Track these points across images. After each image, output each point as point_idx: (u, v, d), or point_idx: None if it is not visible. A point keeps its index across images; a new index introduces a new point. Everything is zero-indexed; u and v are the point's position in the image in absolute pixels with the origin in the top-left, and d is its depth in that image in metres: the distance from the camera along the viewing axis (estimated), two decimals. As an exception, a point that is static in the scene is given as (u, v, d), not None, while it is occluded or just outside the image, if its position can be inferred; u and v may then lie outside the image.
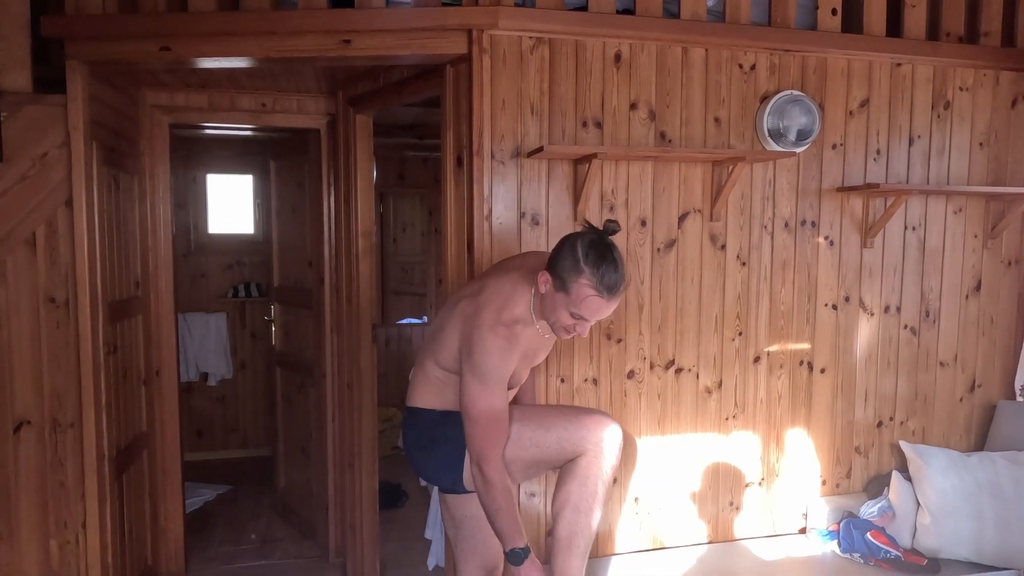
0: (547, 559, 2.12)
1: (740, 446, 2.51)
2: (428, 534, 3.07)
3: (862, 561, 2.29)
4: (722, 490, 2.50)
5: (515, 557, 1.72)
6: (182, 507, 3.17)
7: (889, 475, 2.59)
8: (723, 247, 2.43)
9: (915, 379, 2.67)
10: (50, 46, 2.34)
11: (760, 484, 2.54)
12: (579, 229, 1.73)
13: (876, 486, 2.58)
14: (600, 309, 1.64)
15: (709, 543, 2.48)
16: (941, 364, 2.70)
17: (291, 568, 3.27)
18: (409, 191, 5.47)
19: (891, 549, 2.28)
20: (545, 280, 1.67)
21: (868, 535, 2.30)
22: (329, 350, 3.26)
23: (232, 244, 4.85)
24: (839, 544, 2.35)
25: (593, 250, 1.62)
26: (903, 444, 2.54)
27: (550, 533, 2.32)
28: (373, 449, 3.03)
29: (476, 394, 1.66)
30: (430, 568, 3.03)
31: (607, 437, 1.75)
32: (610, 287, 1.61)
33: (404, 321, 5.46)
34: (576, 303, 1.62)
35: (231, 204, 4.89)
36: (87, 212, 2.30)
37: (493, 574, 1.97)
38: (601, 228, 1.67)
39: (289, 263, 3.65)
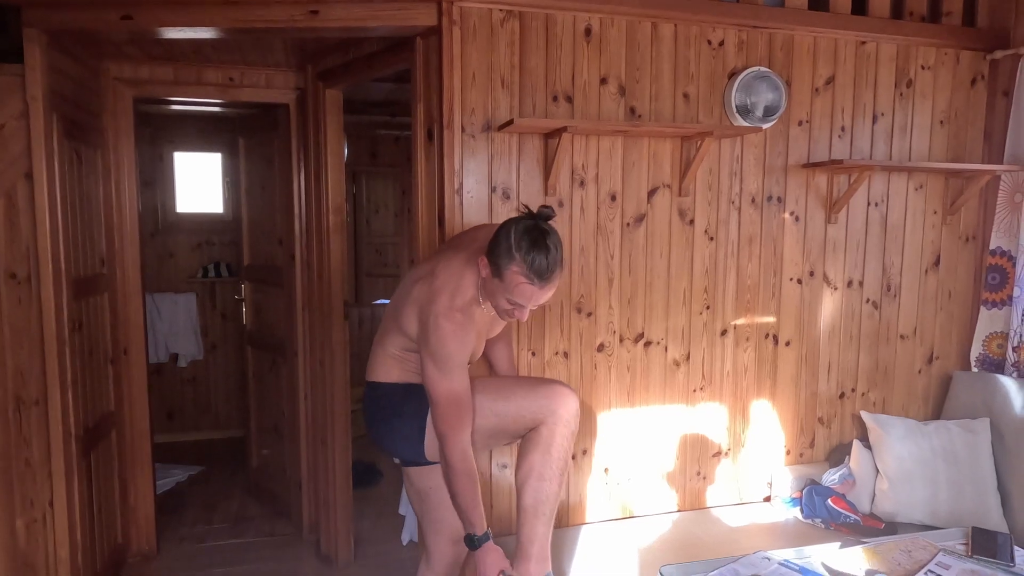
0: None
1: (707, 417, 2.56)
2: (402, 510, 3.09)
3: (823, 526, 2.37)
4: (690, 460, 2.56)
5: (471, 542, 1.76)
6: (152, 486, 3.14)
7: (850, 444, 2.67)
8: (691, 222, 2.46)
9: (876, 351, 2.75)
10: (7, 15, 2.27)
11: (727, 454, 2.61)
12: (515, 215, 1.73)
13: (838, 455, 2.66)
14: (533, 296, 1.64)
15: (677, 511, 2.54)
16: (901, 337, 2.78)
17: (264, 545, 3.28)
18: (382, 170, 5.43)
19: (851, 514, 2.35)
20: (484, 264, 1.68)
21: (829, 501, 2.38)
22: (300, 328, 3.24)
23: (201, 223, 4.77)
24: (801, 510, 2.42)
25: (526, 236, 1.60)
26: (863, 414, 2.62)
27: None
28: (346, 425, 3.04)
29: (435, 378, 1.69)
30: (404, 543, 3.05)
31: (565, 406, 1.78)
32: (540, 273, 1.60)
33: (379, 302, 5.44)
34: (509, 289, 1.63)
35: (199, 182, 4.81)
36: (48, 185, 2.25)
37: (461, 542, 1.98)
38: (535, 213, 1.66)
39: (259, 241, 3.61)
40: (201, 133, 4.68)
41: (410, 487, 1.98)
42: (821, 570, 1.48)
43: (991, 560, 1.52)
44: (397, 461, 2.02)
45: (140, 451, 3.09)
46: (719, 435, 2.59)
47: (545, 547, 1.78)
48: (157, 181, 4.66)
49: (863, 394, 2.76)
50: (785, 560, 1.52)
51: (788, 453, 2.69)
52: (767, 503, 2.62)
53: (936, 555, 1.50)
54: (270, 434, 3.63)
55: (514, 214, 2.26)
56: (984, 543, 1.62)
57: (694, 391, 2.54)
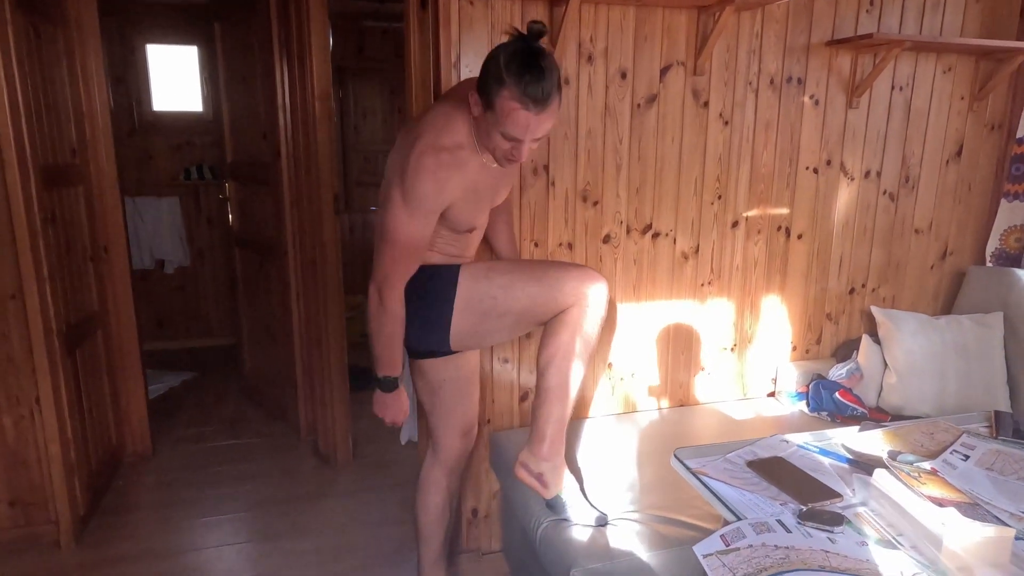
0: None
1: (714, 313, 2.49)
2: (400, 410, 3.06)
3: (829, 419, 2.34)
4: (695, 355, 2.50)
5: (389, 384, 1.74)
6: (144, 388, 3.08)
7: (858, 341, 2.62)
8: (706, 104, 2.30)
9: (889, 246, 2.65)
10: None
11: (732, 350, 2.55)
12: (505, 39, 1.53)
13: (845, 351, 2.61)
14: (529, 124, 1.44)
15: (681, 406, 2.51)
16: (916, 231, 2.68)
17: (262, 446, 3.26)
18: (369, 67, 5.13)
19: (857, 407, 2.32)
20: (475, 102, 1.50)
21: (836, 394, 2.34)
22: (289, 226, 3.10)
23: (180, 123, 4.53)
24: (807, 403, 2.39)
25: (516, 59, 1.41)
26: (874, 309, 2.55)
27: (524, 399, 2.31)
28: (341, 325, 2.95)
29: (401, 218, 1.54)
30: (403, 443, 3.03)
31: (597, 289, 1.68)
32: (536, 98, 1.40)
33: (374, 208, 5.27)
34: (502, 120, 1.45)
35: (176, 79, 4.53)
36: (2, 57, 2.04)
37: (470, 433, 1.94)
38: (525, 32, 1.46)
39: (242, 136, 3.41)
40: (174, 23, 4.36)
41: (420, 380, 1.89)
42: (842, 452, 1.43)
43: (1017, 441, 1.47)
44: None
45: (129, 353, 3.00)
46: (725, 330, 2.52)
47: (561, 431, 1.72)
48: (130, 77, 4.38)
49: (873, 290, 2.68)
50: (804, 443, 1.46)
51: (794, 349, 2.64)
52: (771, 398, 2.59)
53: (960, 436, 1.45)
54: (263, 336, 3.55)
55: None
56: (1007, 425, 1.57)
57: (702, 285, 2.44)
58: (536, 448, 1.72)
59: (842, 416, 2.32)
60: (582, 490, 1.83)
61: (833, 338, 2.68)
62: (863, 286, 2.67)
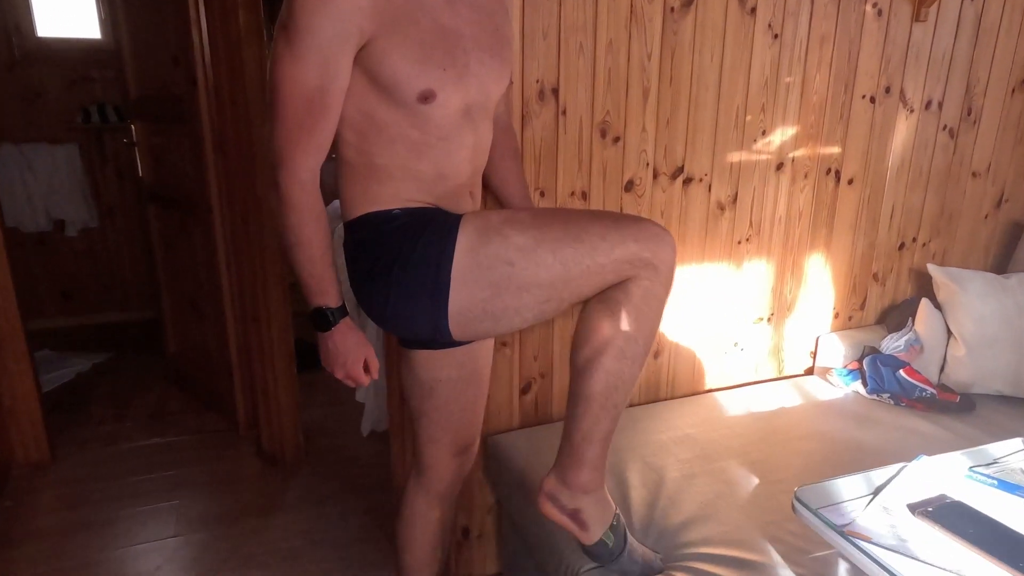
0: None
1: (751, 276, 2.04)
2: (360, 397, 2.55)
3: (892, 402, 1.94)
4: (727, 329, 2.06)
5: (323, 320, 1.18)
6: (34, 381, 2.45)
7: (904, 305, 2.24)
8: (753, 10, 1.79)
9: (944, 192, 2.25)
10: None
11: (769, 320, 2.12)
12: None
13: (896, 317, 2.22)
14: None
15: (710, 391, 2.07)
16: (973, 174, 2.28)
17: (192, 445, 2.69)
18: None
19: (926, 387, 1.93)
20: None
21: (901, 372, 1.94)
22: (214, 175, 2.48)
23: (74, 52, 3.73)
24: (865, 384, 1.99)
25: None
26: (931, 268, 2.15)
27: (525, 391, 1.83)
28: (283, 296, 2.39)
29: (283, 59, 1.05)
30: (365, 434, 2.54)
31: (661, 255, 1.13)
32: None
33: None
34: None
35: (65, -2, 3.72)
36: None
37: (467, 452, 1.43)
38: None
39: (148, 64, 2.73)
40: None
41: (409, 376, 1.34)
42: (1025, 482, 1.01)
43: None
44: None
45: (9, 339, 2.37)
46: (762, 297, 2.09)
47: (603, 454, 1.21)
48: (4, -7, 3.55)
49: (924, 244, 2.29)
50: (972, 469, 1.03)
51: (836, 316, 2.23)
52: (811, 376, 2.18)
53: None
54: (188, 311, 2.94)
55: (518, 10, 1.56)
56: None
57: (739, 243, 1.99)
58: (571, 475, 1.22)
59: (908, 399, 1.93)
60: (626, 524, 1.36)
61: (879, 302, 2.29)
62: (913, 240, 2.27)
